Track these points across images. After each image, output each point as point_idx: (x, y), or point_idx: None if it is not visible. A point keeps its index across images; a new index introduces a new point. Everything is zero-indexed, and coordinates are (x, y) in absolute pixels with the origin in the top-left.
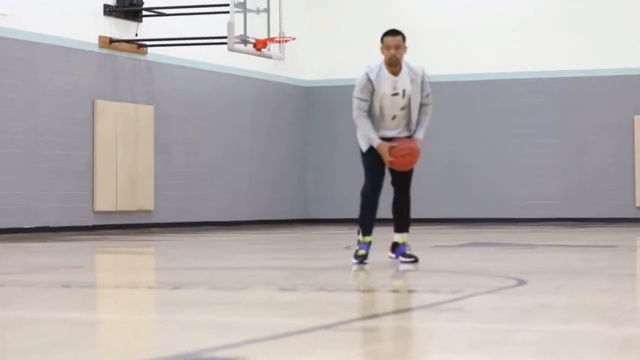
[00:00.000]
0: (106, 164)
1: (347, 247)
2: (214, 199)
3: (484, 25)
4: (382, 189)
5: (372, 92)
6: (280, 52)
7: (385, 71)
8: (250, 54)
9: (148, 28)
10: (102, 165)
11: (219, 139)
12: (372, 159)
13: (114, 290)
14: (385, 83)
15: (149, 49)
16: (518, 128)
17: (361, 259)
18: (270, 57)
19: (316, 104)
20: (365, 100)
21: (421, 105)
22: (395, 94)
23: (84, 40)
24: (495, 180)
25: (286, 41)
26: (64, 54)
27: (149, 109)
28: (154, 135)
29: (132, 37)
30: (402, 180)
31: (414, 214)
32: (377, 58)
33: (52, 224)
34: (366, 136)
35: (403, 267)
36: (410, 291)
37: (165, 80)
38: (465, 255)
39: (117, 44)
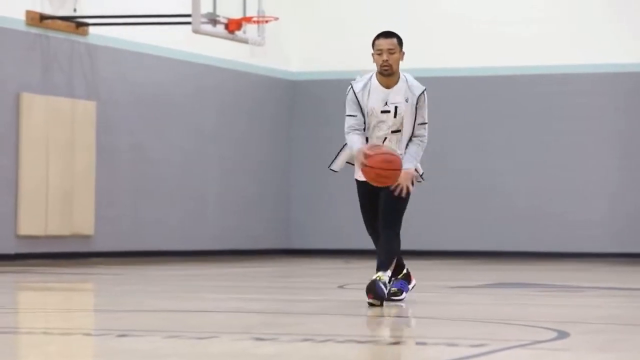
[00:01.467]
0: (34, 175)
1: (340, 286)
2: (171, 222)
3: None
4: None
5: (360, 107)
6: (258, 35)
7: (376, 82)
8: (220, 37)
9: (90, 2)
10: (28, 177)
11: (178, 145)
12: (359, 190)
13: (42, 337)
14: (374, 97)
15: (91, 28)
16: (560, 137)
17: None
18: (245, 42)
19: (303, 102)
20: (354, 116)
21: (412, 136)
22: (386, 111)
23: (6, 16)
24: (527, 204)
25: (266, 22)
26: None
27: (90, 106)
28: (95, 139)
29: (69, 12)
30: (388, 215)
31: (426, 244)
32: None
33: None
34: (350, 149)
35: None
36: (419, 343)
37: (110, 68)
38: (490, 299)
39: (49, 21)
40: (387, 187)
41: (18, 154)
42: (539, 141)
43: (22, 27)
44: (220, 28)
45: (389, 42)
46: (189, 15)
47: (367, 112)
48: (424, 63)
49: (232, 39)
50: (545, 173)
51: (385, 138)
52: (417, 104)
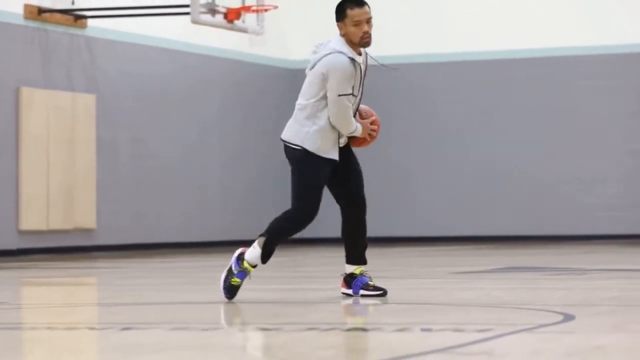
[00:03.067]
0: (35, 170)
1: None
2: (174, 214)
3: None
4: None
5: (354, 82)
6: (258, 24)
7: (353, 53)
8: (219, 27)
9: None
10: (29, 171)
11: (179, 137)
12: (323, 170)
13: (46, 332)
14: (360, 68)
15: (90, 21)
16: (567, 119)
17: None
18: (245, 31)
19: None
20: (351, 94)
21: None
22: (362, 80)
23: (4, 10)
24: (533, 188)
25: (266, 11)
26: None
27: (90, 99)
28: (96, 132)
29: (67, 5)
30: (359, 189)
31: (431, 230)
32: (382, 30)
33: None
34: (351, 130)
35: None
36: (425, 330)
37: (110, 61)
38: (496, 284)
39: (48, 14)
40: (355, 163)
41: (18, 149)
42: (548, 125)
43: (21, 21)
44: (219, 18)
45: (367, 11)
46: (187, 6)
47: (355, 86)
48: (436, 48)
49: (231, 29)
50: (553, 157)
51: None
52: (367, 60)
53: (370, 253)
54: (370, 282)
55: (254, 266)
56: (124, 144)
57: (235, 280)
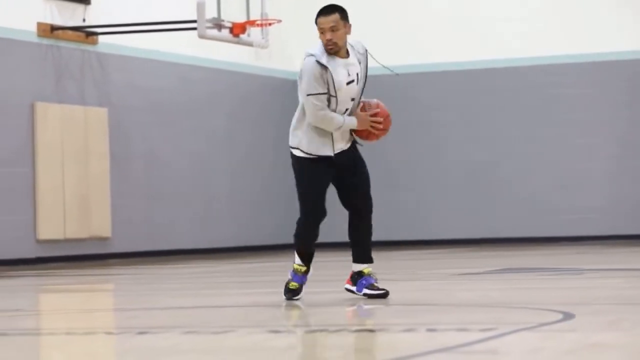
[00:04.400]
0: (51, 181)
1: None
2: (184, 222)
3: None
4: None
5: (327, 82)
6: (262, 38)
7: (331, 56)
8: (225, 41)
9: (98, 12)
10: (45, 183)
11: (189, 148)
12: (319, 169)
13: (65, 338)
14: (338, 69)
15: (100, 37)
16: (554, 126)
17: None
18: (250, 45)
19: None
20: (325, 93)
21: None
22: (351, 82)
23: (18, 29)
24: (528, 191)
25: (270, 24)
26: None
27: (102, 113)
28: (109, 144)
29: (78, 23)
30: (363, 199)
31: (430, 233)
32: (386, 40)
33: None
34: (337, 125)
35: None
36: (430, 330)
37: (121, 76)
38: (496, 284)
39: (60, 32)
40: (361, 165)
41: (35, 162)
42: (538, 130)
43: (34, 39)
44: (225, 32)
45: (330, 20)
46: (194, 21)
47: (336, 88)
48: (422, 58)
49: (237, 43)
50: (544, 162)
51: (346, 111)
52: (367, 58)
53: (374, 256)
54: (375, 284)
55: (304, 268)
56: (136, 155)
57: (293, 284)
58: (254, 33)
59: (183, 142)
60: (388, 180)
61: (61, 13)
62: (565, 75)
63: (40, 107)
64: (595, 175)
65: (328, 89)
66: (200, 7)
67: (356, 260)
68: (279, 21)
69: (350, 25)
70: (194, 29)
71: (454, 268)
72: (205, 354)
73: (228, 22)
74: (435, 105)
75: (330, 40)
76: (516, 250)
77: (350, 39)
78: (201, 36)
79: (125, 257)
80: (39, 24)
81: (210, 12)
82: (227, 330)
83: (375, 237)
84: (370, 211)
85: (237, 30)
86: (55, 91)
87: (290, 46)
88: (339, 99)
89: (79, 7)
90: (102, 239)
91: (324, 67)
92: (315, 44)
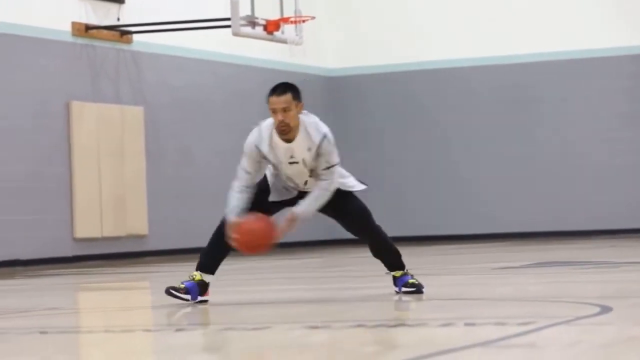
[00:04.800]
0: (87, 180)
1: (387, 273)
2: (217, 220)
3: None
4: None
5: (264, 160)
6: (296, 34)
7: (276, 138)
8: (259, 38)
9: (132, 10)
10: (81, 181)
11: (223, 145)
12: (263, 196)
13: (103, 335)
14: (279, 152)
15: (135, 36)
16: (588, 120)
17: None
18: (284, 42)
19: (340, 97)
20: (249, 173)
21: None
22: (294, 162)
23: (53, 29)
24: (562, 185)
25: (303, 21)
26: (28, 46)
27: (138, 111)
28: (144, 142)
29: (113, 22)
30: (359, 235)
31: (465, 229)
32: (414, 37)
33: (21, 256)
34: (226, 206)
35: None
36: (468, 324)
37: (155, 74)
38: (533, 278)
39: (95, 31)
40: (345, 210)
41: (71, 160)
42: (573, 124)
43: (69, 38)
44: (259, 29)
45: (282, 100)
46: (228, 19)
47: (276, 164)
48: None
49: (271, 40)
50: (577, 156)
51: (307, 181)
52: (317, 150)
53: (408, 252)
54: (410, 280)
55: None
56: (171, 153)
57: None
58: (287, 30)
59: (217, 140)
60: (424, 176)
61: (96, 12)
62: (598, 69)
63: (75, 106)
64: (629, 169)
65: (268, 159)
66: (234, 5)
67: (388, 269)
68: (313, 18)
69: (302, 105)
70: (228, 26)
71: (489, 262)
72: (240, 350)
73: (262, 19)
74: (485, 98)
75: (282, 121)
76: (550, 244)
77: (313, 124)
78: (235, 34)
79: (162, 255)
80: (74, 24)
81: (244, 10)
82: (264, 326)
83: (409, 232)
84: (373, 239)
85: (271, 27)
86: (90, 90)
87: (324, 43)
88: (288, 173)
89: (114, 7)
90: (139, 237)
91: (258, 151)
92: (269, 120)
